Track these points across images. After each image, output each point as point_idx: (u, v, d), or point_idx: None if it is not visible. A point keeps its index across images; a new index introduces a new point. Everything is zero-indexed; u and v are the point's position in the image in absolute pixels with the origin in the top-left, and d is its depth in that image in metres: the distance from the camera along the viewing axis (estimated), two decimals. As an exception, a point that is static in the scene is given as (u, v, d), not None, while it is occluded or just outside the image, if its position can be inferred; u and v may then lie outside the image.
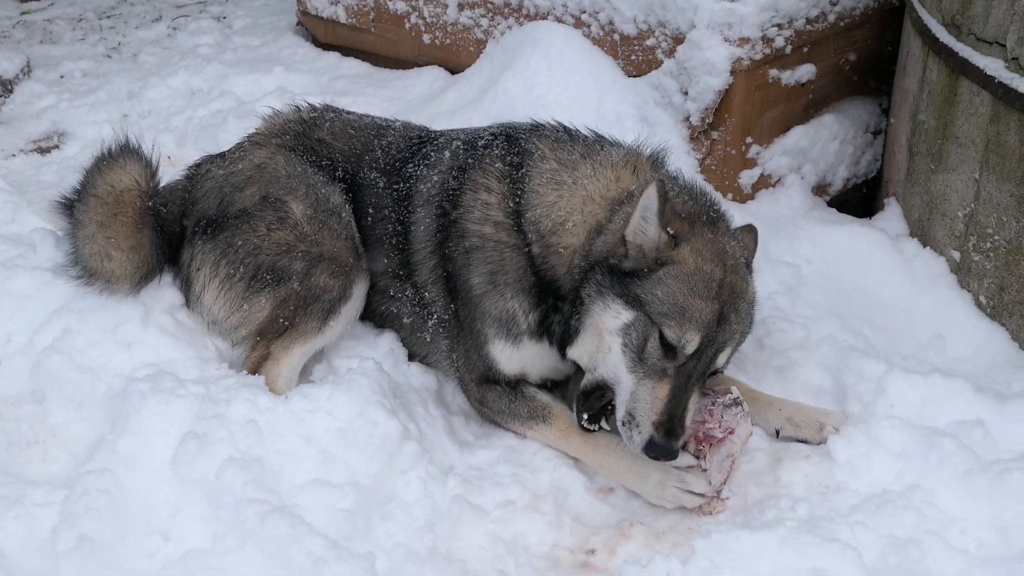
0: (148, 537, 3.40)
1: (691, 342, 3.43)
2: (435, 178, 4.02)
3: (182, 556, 3.32)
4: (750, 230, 3.91)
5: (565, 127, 4.03)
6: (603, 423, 3.71)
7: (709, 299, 3.46)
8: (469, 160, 3.98)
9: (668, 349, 3.44)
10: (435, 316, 4.06)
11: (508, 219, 3.82)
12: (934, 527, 3.36)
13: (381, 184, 4.16)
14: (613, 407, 3.63)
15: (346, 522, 3.42)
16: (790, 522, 3.39)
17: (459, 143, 4.08)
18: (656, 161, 3.90)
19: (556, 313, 3.80)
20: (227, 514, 3.36)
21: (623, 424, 3.50)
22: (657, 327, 3.45)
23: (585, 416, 3.71)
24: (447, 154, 4.06)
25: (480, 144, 4.02)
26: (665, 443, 3.41)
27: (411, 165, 4.13)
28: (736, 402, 3.61)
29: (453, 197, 3.93)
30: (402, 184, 4.11)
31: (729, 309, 3.50)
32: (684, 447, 3.58)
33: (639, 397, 3.46)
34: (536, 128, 4.04)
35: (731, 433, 3.59)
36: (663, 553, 3.36)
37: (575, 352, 3.75)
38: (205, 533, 3.38)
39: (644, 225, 3.50)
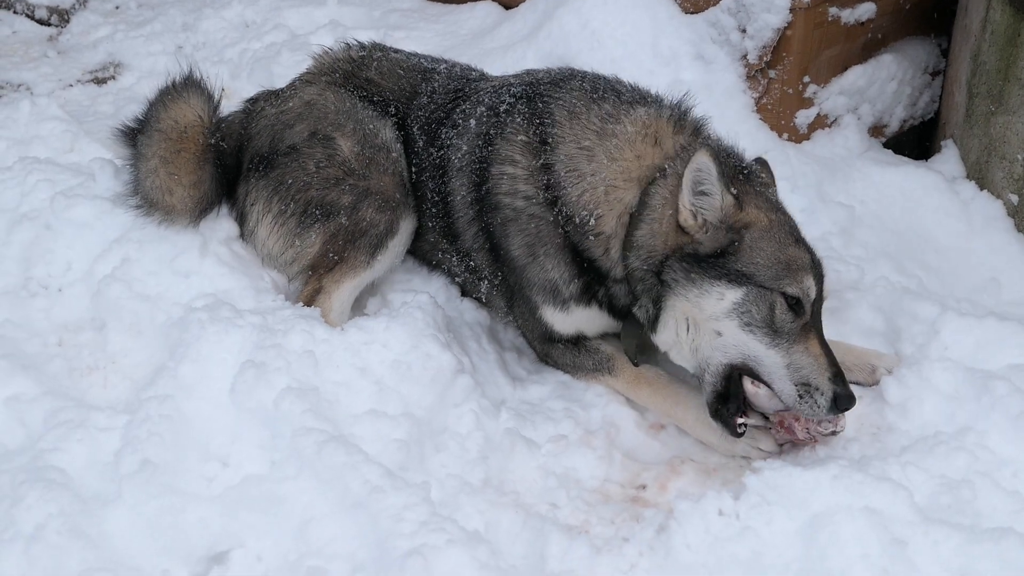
0: (207, 463, 3.47)
1: (812, 288, 3.41)
2: (464, 147, 3.98)
3: (240, 481, 3.40)
4: (763, 164, 3.85)
5: (586, 85, 3.85)
6: (745, 417, 3.55)
7: (798, 243, 3.47)
8: (492, 130, 3.90)
9: (795, 307, 3.39)
10: (486, 281, 4.08)
11: (538, 192, 3.75)
12: (985, 469, 3.37)
13: (421, 143, 4.16)
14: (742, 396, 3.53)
15: (400, 452, 3.48)
16: (842, 460, 3.40)
17: (483, 109, 3.99)
18: (679, 121, 3.72)
19: (600, 286, 3.76)
20: (284, 442, 3.43)
21: (800, 397, 3.40)
22: (777, 292, 3.39)
23: (740, 421, 3.52)
24: (472, 122, 3.98)
25: (502, 110, 3.92)
26: (846, 391, 3.39)
27: (445, 128, 4.09)
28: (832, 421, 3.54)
29: (482, 169, 3.88)
30: (436, 151, 4.09)
31: (808, 245, 3.52)
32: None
33: (801, 365, 3.40)
34: (557, 86, 3.88)
35: (814, 442, 3.59)
36: (715, 489, 3.39)
37: (663, 341, 3.65)
38: (263, 460, 3.45)
39: (703, 200, 3.41)
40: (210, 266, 4.09)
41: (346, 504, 3.28)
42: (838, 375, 3.39)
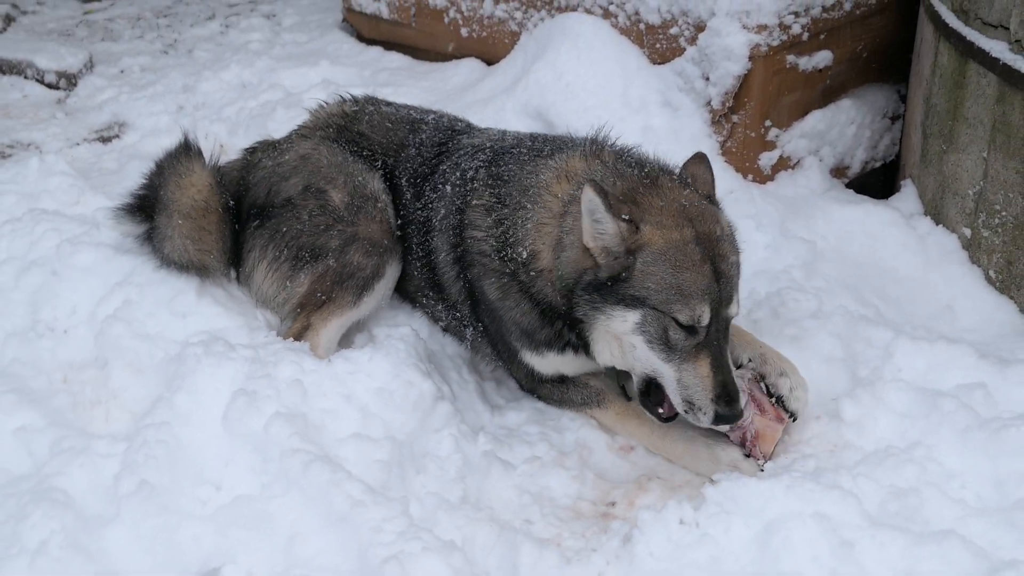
0: (201, 486, 3.64)
1: (704, 314, 3.53)
2: (442, 211, 4.21)
3: (232, 501, 3.56)
4: (700, 160, 3.89)
5: (525, 149, 4.12)
6: (664, 409, 3.78)
7: (696, 264, 3.54)
8: (458, 200, 4.14)
9: (688, 330, 3.55)
10: (471, 328, 4.27)
11: (497, 251, 3.97)
12: (934, 479, 3.53)
13: (409, 195, 4.38)
14: None
15: (383, 472, 3.64)
16: (796, 473, 3.57)
17: (458, 174, 4.22)
18: (592, 155, 3.92)
19: (571, 330, 3.92)
20: (273, 464, 3.59)
21: (685, 412, 3.62)
22: (668, 315, 3.54)
23: (660, 411, 3.77)
24: (448, 188, 4.21)
25: (469, 176, 4.17)
26: (729, 411, 3.56)
27: (428, 186, 4.30)
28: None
29: (457, 230, 4.12)
30: (421, 209, 4.31)
31: (718, 260, 3.58)
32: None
33: (687, 383, 3.58)
34: (509, 152, 4.15)
35: (780, 420, 3.78)
36: (677, 500, 3.53)
37: (602, 359, 3.87)
38: (253, 482, 3.62)
39: (598, 226, 3.55)
40: (206, 306, 4.26)
41: (330, 519, 3.42)
42: (722, 396, 3.55)
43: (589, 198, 3.54)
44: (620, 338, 3.70)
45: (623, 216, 3.55)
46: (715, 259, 3.58)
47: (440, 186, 4.25)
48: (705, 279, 3.54)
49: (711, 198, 3.82)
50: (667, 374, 3.64)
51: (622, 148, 4.02)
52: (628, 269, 3.57)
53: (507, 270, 3.95)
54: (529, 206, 3.90)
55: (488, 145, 4.28)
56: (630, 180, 3.72)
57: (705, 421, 3.61)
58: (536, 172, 3.97)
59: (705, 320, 3.54)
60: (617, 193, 3.65)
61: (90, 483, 3.64)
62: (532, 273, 3.89)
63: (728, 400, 3.56)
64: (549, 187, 3.89)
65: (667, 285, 3.53)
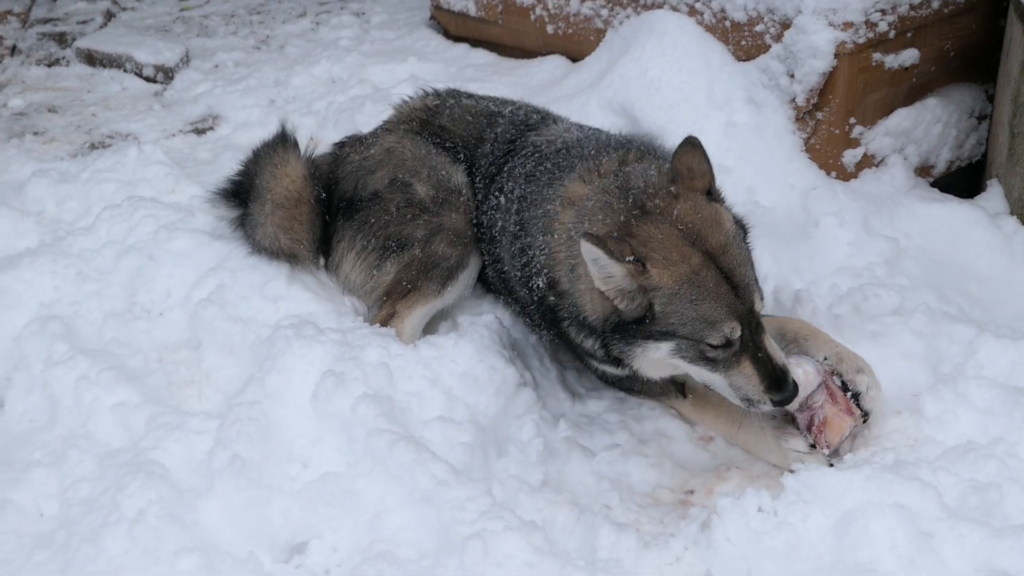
0: (290, 463, 3.76)
1: (735, 329, 3.53)
2: (499, 223, 4.24)
3: (319, 478, 3.67)
4: (692, 148, 3.67)
5: (558, 161, 4.08)
6: None
7: (712, 290, 3.52)
8: (516, 213, 4.15)
9: (724, 346, 3.56)
10: (544, 330, 4.25)
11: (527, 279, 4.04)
12: (1015, 475, 3.49)
13: (480, 196, 4.43)
14: None
15: (466, 454, 3.72)
16: (876, 465, 3.56)
17: (509, 184, 4.22)
18: (591, 173, 3.88)
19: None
20: (359, 445, 3.69)
21: (746, 410, 3.69)
22: (701, 342, 3.56)
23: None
24: (502, 199, 4.23)
25: (514, 195, 4.17)
26: (782, 395, 3.61)
27: (493, 189, 4.32)
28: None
29: (518, 237, 4.12)
30: (486, 212, 4.35)
31: (731, 272, 3.54)
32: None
33: (738, 385, 3.62)
34: (547, 158, 4.14)
35: (850, 414, 3.80)
36: (755, 489, 3.56)
37: (650, 375, 3.89)
38: (339, 461, 3.72)
39: (605, 271, 3.52)
40: (297, 292, 4.38)
41: (415, 497, 3.52)
42: (772, 385, 3.60)
43: (589, 250, 3.49)
44: (660, 361, 3.74)
45: (627, 258, 3.50)
46: (728, 272, 3.55)
47: (497, 193, 4.29)
48: (726, 300, 3.54)
49: (710, 191, 3.69)
50: (717, 382, 3.69)
51: (621, 154, 3.94)
52: (648, 309, 3.57)
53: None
54: (541, 237, 3.93)
55: (544, 147, 4.26)
56: (619, 212, 3.66)
57: (766, 410, 3.69)
58: (543, 202, 3.97)
59: (737, 333, 3.56)
60: (612, 230, 3.62)
61: (185, 457, 3.78)
62: (552, 299, 3.93)
63: (779, 386, 3.61)
64: (558, 213, 3.89)
65: (691, 318, 3.54)
